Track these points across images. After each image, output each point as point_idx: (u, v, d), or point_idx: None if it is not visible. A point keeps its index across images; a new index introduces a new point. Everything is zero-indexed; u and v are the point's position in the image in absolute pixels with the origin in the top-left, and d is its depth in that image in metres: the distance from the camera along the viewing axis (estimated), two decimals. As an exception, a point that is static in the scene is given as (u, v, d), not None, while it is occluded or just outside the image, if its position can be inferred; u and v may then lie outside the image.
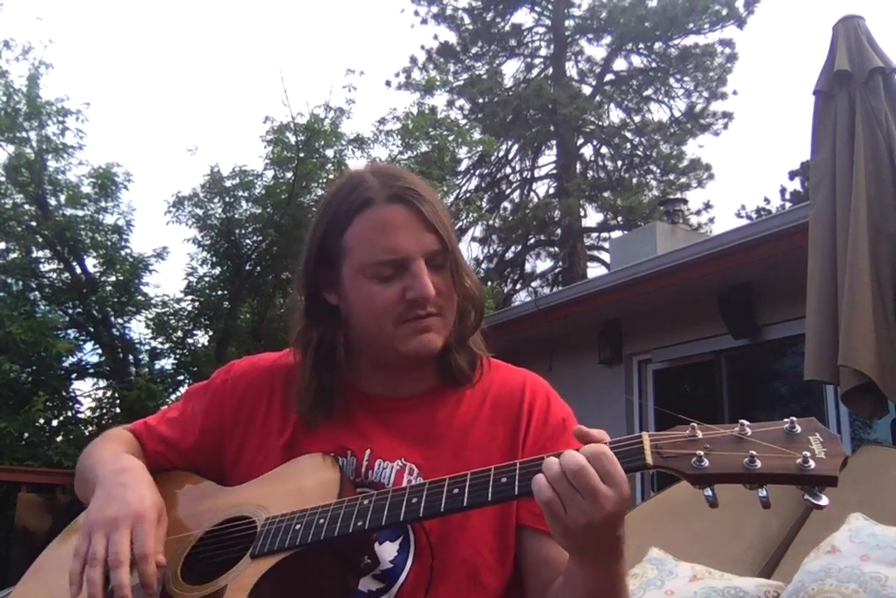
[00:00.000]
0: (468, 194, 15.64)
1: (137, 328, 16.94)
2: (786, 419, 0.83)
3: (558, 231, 17.37)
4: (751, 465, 0.79)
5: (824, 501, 0.77)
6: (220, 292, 10.37)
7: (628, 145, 18.22)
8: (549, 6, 18.11)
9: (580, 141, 18.27)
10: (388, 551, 1.02)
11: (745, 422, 0.83)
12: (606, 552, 0.87)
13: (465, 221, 13.27)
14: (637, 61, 18.00)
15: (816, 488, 0.78)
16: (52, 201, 10.06)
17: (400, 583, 1.01)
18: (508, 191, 18.67)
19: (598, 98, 17.95)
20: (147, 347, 10.44)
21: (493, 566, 1.04)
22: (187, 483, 1.13)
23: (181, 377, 10.15)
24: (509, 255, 18.03)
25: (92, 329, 9.97)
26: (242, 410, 1.15)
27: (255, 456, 1.11)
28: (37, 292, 10.03)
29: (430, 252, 1.05)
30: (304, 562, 0.94)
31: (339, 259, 1.08)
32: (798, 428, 0.82)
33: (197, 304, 10.38)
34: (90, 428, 9.50)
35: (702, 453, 0.81)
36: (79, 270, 10.02)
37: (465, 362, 1.13)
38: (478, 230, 17.03)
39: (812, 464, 0.77)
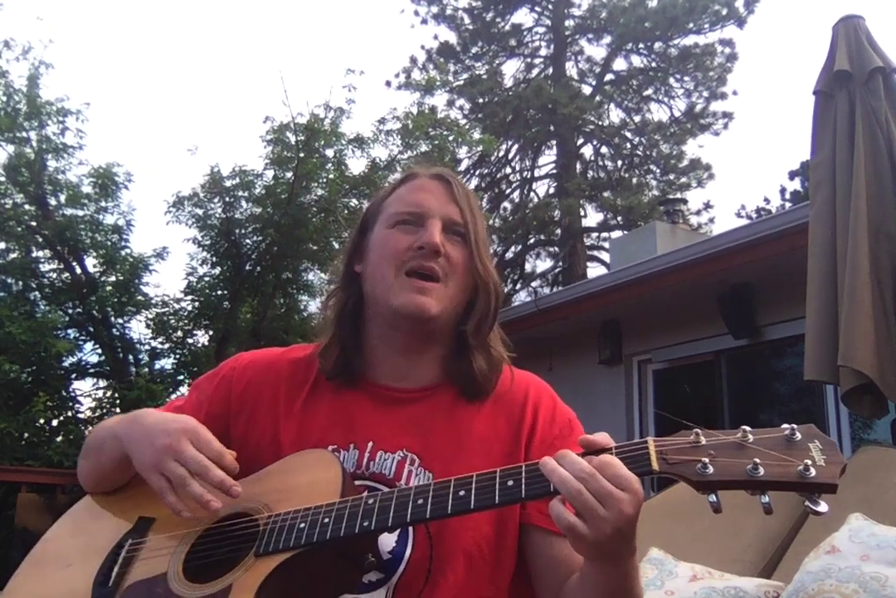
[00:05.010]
0: (468, 194, 15.59)
1: (137, 328, 16.92)
2: (785, 426, 0.84)
3: (558, 231, 17.35)
4: (754, 472, 0.80)
5: (823, 507, 0.79)
6: (220, 292, 10.35)
7: (628, 145, 18.19)
8: (549, 6, 18.09)
9: (580, 141, 18.25)
10: (386, 542, 1.02)
11: (747, 428, 0.85)
12: (623, 552, 0.89)
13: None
14: (637, 61, 17.99)
15: (816, 495, 0.80)
16: (52, 201, 10.04)
17: (399, 573, 1.02)
18: (508, 191, 18.65)
19: (598, 98, 17.92)
20: (147, 347, 10.42)
21: (490, 558, 1.05)
22: None
23: (181, 377, 10.13)
24: (509, 255, 18.00)
25: (92, 329, 9.95)
26: (247, 398, 1.17)
27: (259, 444, 1.12)
28: (37, 292, 10.01)
29: (449, 219, 1.14)
30: (310, 561, 0.93)
31: (374, 220, 1.19)
32: (798, 435, 0.83)
33: (197, 304, 10.37)
34: (90, 428, 9.48)
35: (707, 460, 0.82)
36: (79, 270, 10.00)
37: (485, 363, 1.14)
38: (478, 230, 16.95)
39: (813, 472, 0.79)
